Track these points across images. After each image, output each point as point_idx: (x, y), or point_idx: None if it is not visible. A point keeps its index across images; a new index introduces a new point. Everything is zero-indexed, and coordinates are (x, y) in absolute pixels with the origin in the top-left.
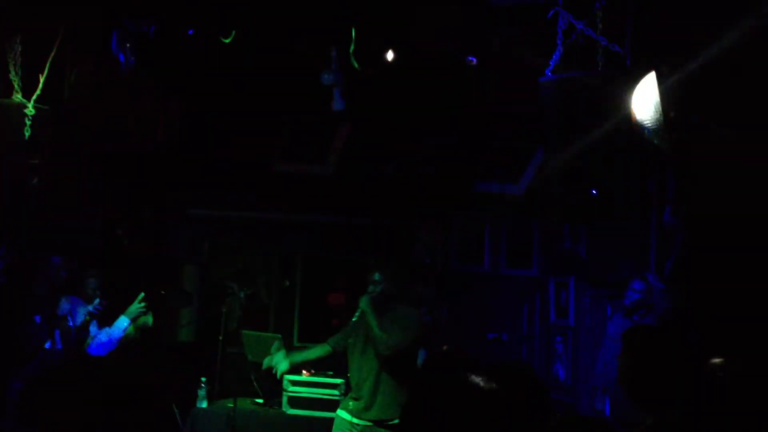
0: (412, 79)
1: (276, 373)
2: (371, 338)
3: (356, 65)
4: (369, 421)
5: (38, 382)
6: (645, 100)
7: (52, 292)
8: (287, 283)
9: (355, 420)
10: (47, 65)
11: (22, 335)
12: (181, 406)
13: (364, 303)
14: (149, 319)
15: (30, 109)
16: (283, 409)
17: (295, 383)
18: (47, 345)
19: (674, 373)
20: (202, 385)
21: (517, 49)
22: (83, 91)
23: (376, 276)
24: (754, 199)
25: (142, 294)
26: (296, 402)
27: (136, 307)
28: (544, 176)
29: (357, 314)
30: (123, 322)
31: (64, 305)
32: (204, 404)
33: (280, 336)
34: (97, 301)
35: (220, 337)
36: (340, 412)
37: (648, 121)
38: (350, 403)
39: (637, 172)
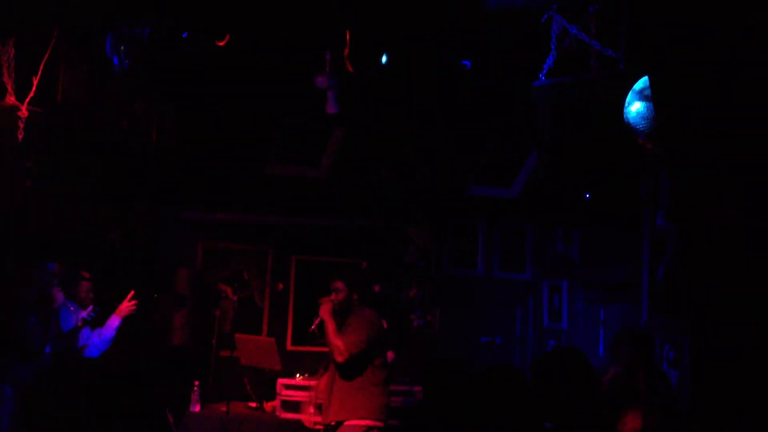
0: (406, 82)
1: None
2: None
3: (350, 68)
4: (327, 423)
5: (32, 386)
6: (638, 103)
7: (43, 298)
8: (281, 286)
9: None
10: (41, 67)
11: (15, 339)
12: (174, 409)
13: (323, 311)
14: None
15: (23, 112)
16: (277, 413)
17: (288, 387)
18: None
19: (564, 389)
20: (195, 388)
21: (510, 52)
22: (77, 94)
23: (337, 284)
24: (749, 203)
25: (133, 292)
26: (290, 406)
27: (126, 305)
28: (538, 180)
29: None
30: (114, 322)
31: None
32: (197, 408)
33: (273, 339)
34: (90, 308)
35: (214, 341)
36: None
37: (641, 125)
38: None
39: (630, 176)
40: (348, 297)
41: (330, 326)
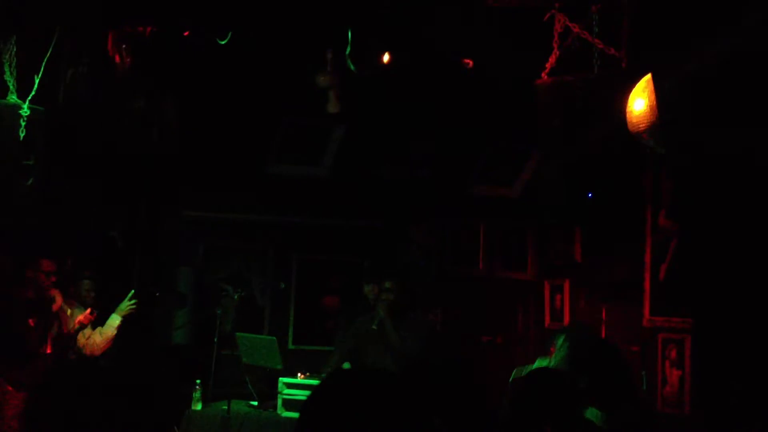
0: (408, 81)
1: None
2: (389, 346)
3: (352, 67)
4: None
5: (35, 386)
6: (641, 102)
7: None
8: (282, 285)
9: None
10: (42, 66)
11: (14, 339)
12: (175, 408)
13: (382, 311)
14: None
15: (25, 110)
16: (278, 411)
17: (290, 386)
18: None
19: (618, 382)
20: (197, 387)
21: (513, 51)
22: (78, 93)
23: (388, 284)
24: (750, 202)
25: (133, 291)
26: (291, 405)
27: (126, 304)
28: (540, 179)
29: (375, 322)
30: (115, 320)
31: None
32: (198, 406)
33: (275, 338)
34: (88, 311)
35: (215, 340)
36: None
37: (644, 124)
38: None
39: (632, 175)
40: (398, 298)
41: (391, 327)
